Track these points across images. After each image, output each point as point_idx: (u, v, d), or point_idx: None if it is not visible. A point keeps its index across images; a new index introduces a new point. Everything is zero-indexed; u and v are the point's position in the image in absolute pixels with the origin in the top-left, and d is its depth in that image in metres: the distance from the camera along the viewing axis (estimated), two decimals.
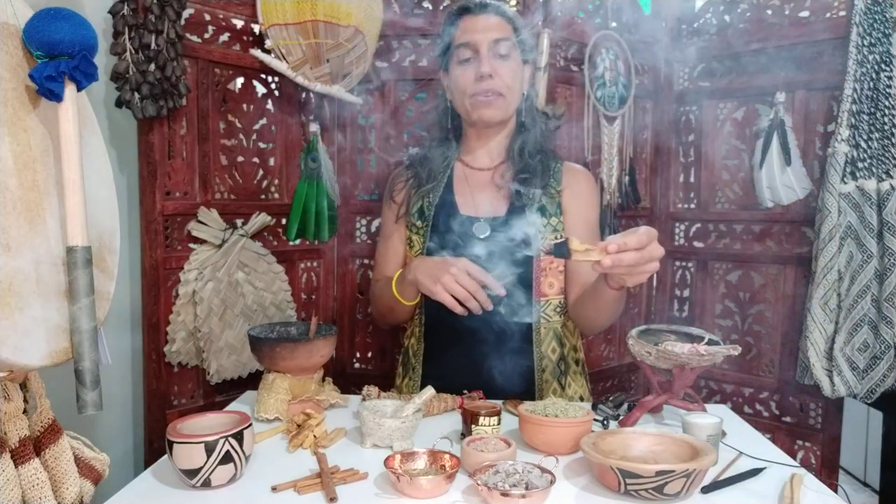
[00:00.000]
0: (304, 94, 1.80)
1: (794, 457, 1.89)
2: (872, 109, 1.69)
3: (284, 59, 1.66)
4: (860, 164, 1.69)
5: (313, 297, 1.90)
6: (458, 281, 1.25)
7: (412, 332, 1.50)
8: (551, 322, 1.42)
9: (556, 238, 1.40)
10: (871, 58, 1.69)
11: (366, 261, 1.93)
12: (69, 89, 0.94)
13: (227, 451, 0.96)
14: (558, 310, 1.43)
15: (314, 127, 1.80)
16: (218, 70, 1.62)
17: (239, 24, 1.65)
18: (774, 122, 1.88)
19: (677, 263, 2.17)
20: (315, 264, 1.90)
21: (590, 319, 1.39)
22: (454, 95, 1.44)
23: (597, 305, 1.32)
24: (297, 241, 1.83)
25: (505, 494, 0.89)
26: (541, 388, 1.42)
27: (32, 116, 0.93)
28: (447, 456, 1.02)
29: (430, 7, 1.86)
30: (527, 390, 1.41)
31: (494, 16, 1.39)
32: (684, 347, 1.23)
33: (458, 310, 1.26)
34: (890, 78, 1.67)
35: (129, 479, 1.02)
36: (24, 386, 0.94)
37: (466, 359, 1.40)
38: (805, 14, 1.87)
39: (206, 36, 1.59)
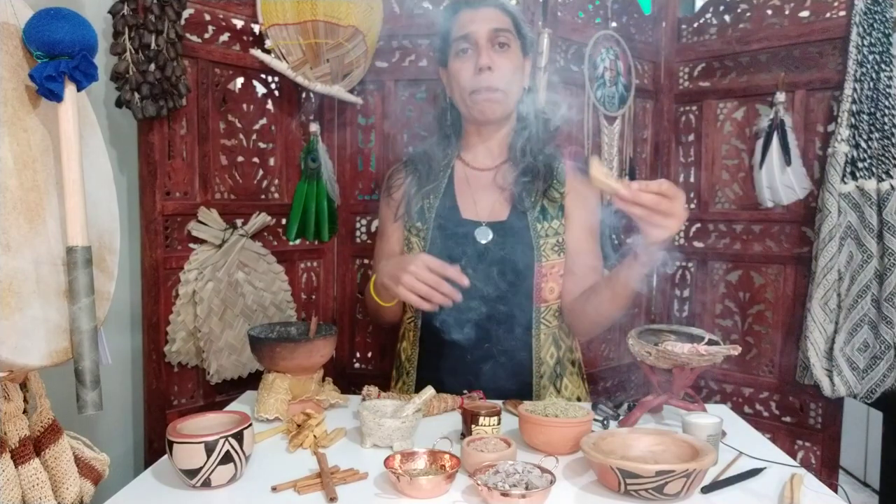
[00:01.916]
0: (304, 94, 1.80)
1: (794, 457, 1.89)
2: (872, 109, 1.69)
3: (284, 59, 1.66)
4: (860, 164, 1.69)
5: (313, 297, 1.90)
6: (419, 277, 1.19)
7: (405, 335, 1.49)
8: (550, 327, 1.41)
9: (557, 234, 1.39)
10: (871, 58, 1.69)
11: (366, 261, 1.93)
12: (69, 89, 0.94)
13: (227, 451, 0.96)
14: (557, 314, 1.42)
15: (314, 127, 1.80)
16: (218, 70, 1.62)
17: (239, 24, 1.65)
18: (774, 122, 1.88)
19: (677, 263, 2.17)
20: (315, 264, 1.90)
21: (591, 318, 1.37)
22: (453, 91, 1.42)
23: (603, 299, 1.30)
24: (297, 241, 1.83)
25: (505, 494, 0.89)
26: (538, 394, 1.40)
27: (32, 116, 0.93)
28: (447, 456, 1.02)
29: (430, 7, 1.86)
30: (526, 395, 1.40)
31: (493, 8, 1.37)
32: (684, 347, 1.23)
33: (425, 306, 1.20)
34: (890, 78, 1.67)
35: (129, 479, 1.02)
36: (24, 386, 0.94)
37: (463, 365, 1.38)
38: (805, 14, 1.87)
39: (206, 36, 1.59)
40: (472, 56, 1.35)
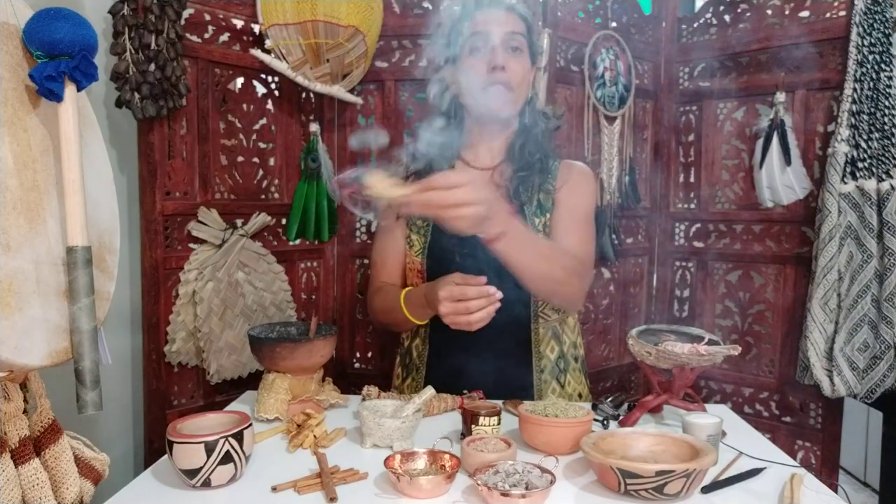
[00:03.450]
0: (304, 94, 1.80)
1: (794, 457, 1.89)
2: (872, 109, 1.69)
3: (284, 59, 1.66)
4: (860, 164, 1.69)
5: (313, 297, 1.90)
6: (455, 311, 1.19)
7: (417, 333, 1.49)
8: (549, 321, 1.42)
9: None
10: (871, 58, 1.69)
11: (366, 261, 1.93)
12: (69, 89, 0.94)
13: (227, 451, 0.96)
14: (556, 309, 1.43)
15: (314, 127, 1.80)
16: (218, 70, 1.62)
17: (239, 24, 1.65)
18: (774, 122, 1.88)
19: (677, 263, 2.17)
20: (315, 264, 1.90)
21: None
22: (462, 88, 1.43)
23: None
24: (297, 241, 1.83)
25: (505, 494, 0.89)
26: (540, 388, 1.42)
27: (32, 116, 0.93)
28: (447, 456, 1.02)
29: (430, 7, 1.86)
30: (527, 390, 1.41)
31: (509, 11, 1.39)
32: (684, 347, 1.23)
33: (476, 327, 1.21)
34: (890, 78, 1.67)
35: (129, 479, 1.02)
36: (24, 386, 0.94)
37: (468, 360, 1.40)
38: (805, 14, 1.87)
39: (206, 36, 1.59)
40: (485, 55, 1.36)
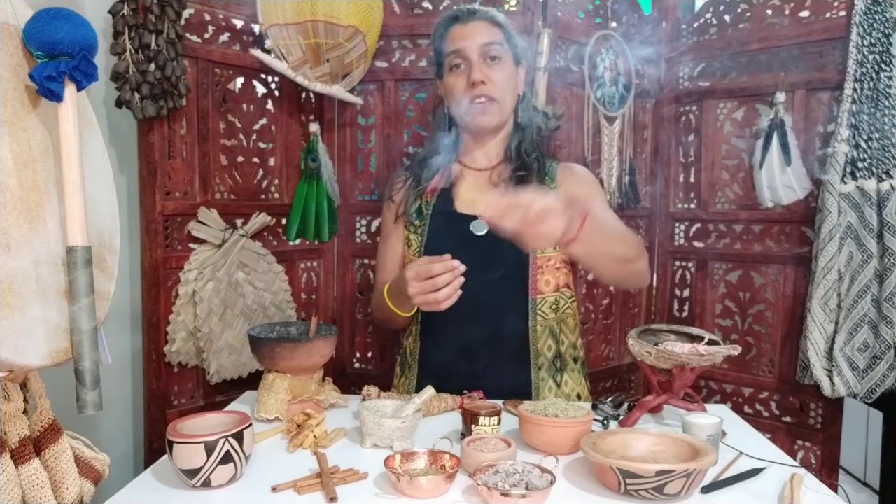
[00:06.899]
0: (304, 94, 1.80)
1: (794, 457, 1.89)
2: (872, 109, 1.69)
3: (284, 59, 1.66)
4: (860, 164, 1.69)
5: (313, 297, 1.90)
6: (422, 290, 1.22)
7: (410, 331, 1.51)
8: (547, 319, 1.43)
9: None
10: (871, 58, 1.69)
11: (366, 261, 1.93)
12: (69, 89, 0.94)
13: (227, 451, 0.96)
14: (554, 307, 1.44)
15: (314, 127, 1.80)
16: (218, 70, 1.62)
17: (239, 24, 1.65)
18: (774, 122, 1.88)
19: (677, 263, 2.17)
20: (315, 264, 1.90)
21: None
22: (449, 102, 1.46)
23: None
24: (297, 241, 1.83)
25: (505, 494, 0.89)
26: (537, 386, 1.42)
27: (32, 116, 0.93)
28: (447, 456, 1.02)
29: (430, 7, 1.87)
30: (523, 388, 1.41)
31: (483, 21, 1.42)
32: (684, 347, 1.23)
33: (444, 306, 1.23)
34: (890, 78, 1.67)
35: (129, 479, 1.02)
36: (24, 386, 0.94)
37: (462, 357, 1.41)
38: (805, 14, 1.86)
39: (206, 36, 1.59)
40: (465, 71, 1.40)
